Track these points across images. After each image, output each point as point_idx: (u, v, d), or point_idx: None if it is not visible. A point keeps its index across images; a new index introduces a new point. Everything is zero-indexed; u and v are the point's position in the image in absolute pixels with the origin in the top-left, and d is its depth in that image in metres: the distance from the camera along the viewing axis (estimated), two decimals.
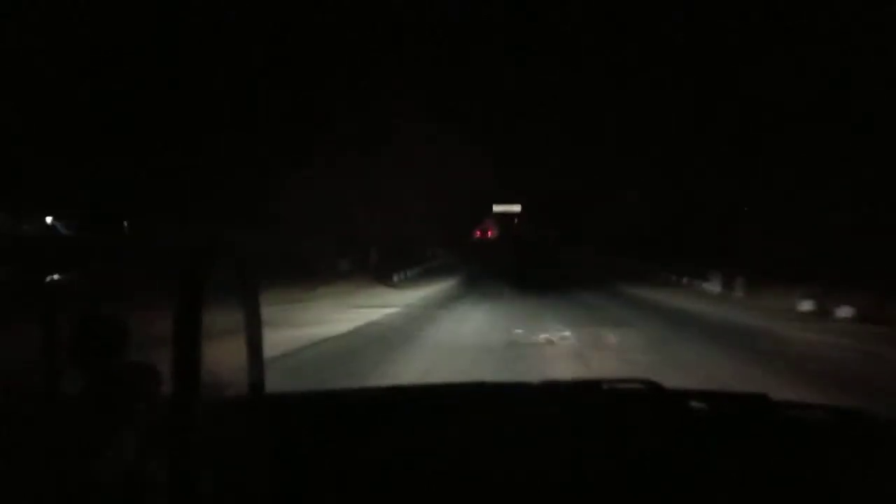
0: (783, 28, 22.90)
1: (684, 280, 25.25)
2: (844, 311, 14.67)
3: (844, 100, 21.36)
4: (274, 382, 1.62)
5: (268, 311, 1.65)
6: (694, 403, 1.88)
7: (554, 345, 10.86)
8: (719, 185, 26.61)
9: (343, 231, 24.94)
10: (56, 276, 1.45)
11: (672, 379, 2.35)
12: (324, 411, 1.88)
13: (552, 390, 1.99)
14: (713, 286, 22.90)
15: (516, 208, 79.98)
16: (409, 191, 29.57)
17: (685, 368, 8.76)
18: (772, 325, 13.72)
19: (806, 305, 16.26)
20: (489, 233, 77.93)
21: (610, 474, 1.48)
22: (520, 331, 12.28)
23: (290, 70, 22.97)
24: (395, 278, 26.46)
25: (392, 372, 8.47)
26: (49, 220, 26.79)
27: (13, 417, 1.34)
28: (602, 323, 13.68)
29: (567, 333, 11.96)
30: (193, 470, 1.14)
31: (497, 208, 78.59)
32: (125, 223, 22.06)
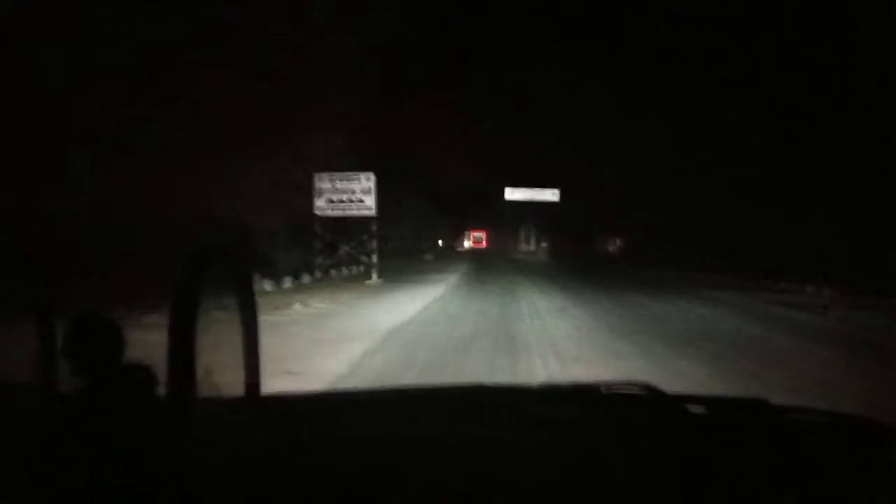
0: None
1: None
2: None
3: None
4: None
5: None
6: (693, 408, 1.87)
7: None
8: None
9: None
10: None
11: None
12: (320, 412, 1.89)
13: (551, 393, 1.99)
14: None
15: (550, 196, 46.72)
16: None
17: None
18: None
19: None
20: (483, 243, 45.81)
21: (608, 478, 1.48)
22: None
23: None
24: None
25: None
26: None
27: (9, 418, 1.37)
28: None
29: None
30: (189, 471, 1.16)
31: (511, 194, 46.93)
32: None
